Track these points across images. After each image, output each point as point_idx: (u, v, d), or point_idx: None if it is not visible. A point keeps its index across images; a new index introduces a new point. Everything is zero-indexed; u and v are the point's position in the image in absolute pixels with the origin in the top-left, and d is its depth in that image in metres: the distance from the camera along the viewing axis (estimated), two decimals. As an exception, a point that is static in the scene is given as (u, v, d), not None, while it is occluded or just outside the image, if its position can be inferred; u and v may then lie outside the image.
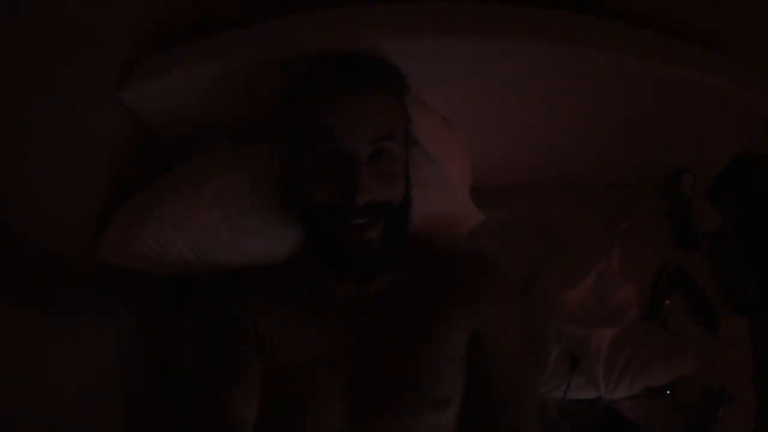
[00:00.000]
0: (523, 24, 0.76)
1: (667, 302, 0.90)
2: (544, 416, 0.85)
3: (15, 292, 0.63)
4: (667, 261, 0.95)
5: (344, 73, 0.64)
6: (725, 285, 0.92)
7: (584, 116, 0.87)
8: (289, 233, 0.73)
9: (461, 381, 0.69)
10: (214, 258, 0.75)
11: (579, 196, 1.02)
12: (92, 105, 0.73)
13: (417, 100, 0.76)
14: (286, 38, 0.75)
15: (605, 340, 0.83)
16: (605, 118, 0.88)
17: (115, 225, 0.74)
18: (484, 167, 0.94)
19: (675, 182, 0.97)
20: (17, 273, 0.63)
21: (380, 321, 0.68)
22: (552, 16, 0.78)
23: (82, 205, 0.73)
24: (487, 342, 0.69)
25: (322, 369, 0.66)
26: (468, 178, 0.88)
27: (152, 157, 0.86)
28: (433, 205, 0.77)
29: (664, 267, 0.94)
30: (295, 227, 0.72)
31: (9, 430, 0.59)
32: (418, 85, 0.74)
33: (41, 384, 0.65)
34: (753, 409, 0.85)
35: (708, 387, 0.85)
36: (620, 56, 0.76)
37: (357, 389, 0.65)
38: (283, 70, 0.73)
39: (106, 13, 0.72)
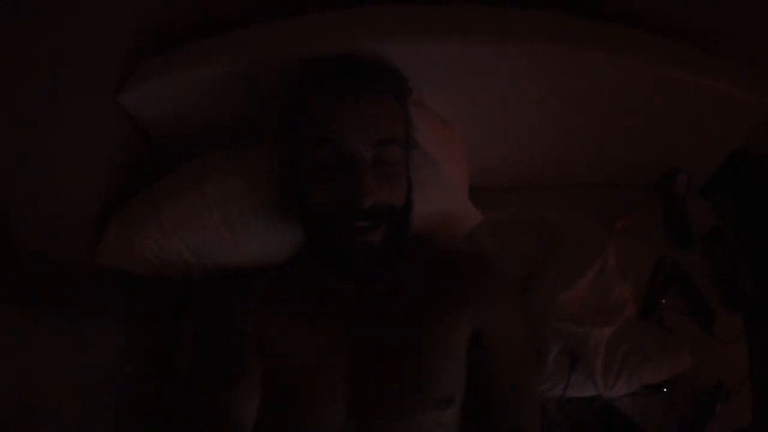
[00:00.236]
0: (522, 26, 0.77)
1: (663, 300, 0.91)
2: (543, 414, 0.85)
3: (14, 293, 0.62)
4: (663, 259, 0.95)
5: (346, 76, 0.64)
6: (720, 282, 0.93)
7: (581, 117, 0.88)
8: (289, 234, 0.73)
9: (462, 380, 0.69)
10: (214, 259, 0.75)
11: (575, 195, 1.02)
12: (91, 106, 0.73)
13: (416, 101, 0.76)
14: (285, 40, 0.76)
15: (603, 338, 0.84)
16: (602, 118, 0.88)
17: (114, 227, 0.73)
18: (483, 168, 0.94)
19: (670, 182, 0.98)
20: (16, 275, 0.62)
21: (380, 321, 0.68)
22: (550, 17, 0.79)
23: (81, 207, 0.73)
24: (487, 341, 0.69)
25: (323, 369, 0.66)
26: (466, 178, 0.89)
27: (151, 158, 0.86)
28: (432, 205, 0.77)
29: (660, 265, 0.95)
30: (295, 228, 0.72)
31: (9, 431, 0.59)
32: (418, 87, 0.75)
33: (41, 384, 0.65)
34: (749, 404, 0.86)
35: (704, 383, 0.86)
36: (617, 58, 0.77)
37: (358, 389, 0.65)
38: (283, 72, 0.73)
39: (105, 14, 0.72)
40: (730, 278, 0.92)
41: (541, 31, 0.76)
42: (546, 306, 0.87)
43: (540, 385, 0.84)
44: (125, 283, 0.78)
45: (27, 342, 0.63)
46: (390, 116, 0.64)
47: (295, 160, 0.67)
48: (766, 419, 0.87)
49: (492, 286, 0.72)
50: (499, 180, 1.02)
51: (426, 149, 0.75)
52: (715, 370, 0.86)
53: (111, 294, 0.79)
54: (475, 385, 0.69)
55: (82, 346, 0.72)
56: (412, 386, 0.65)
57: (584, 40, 0.77)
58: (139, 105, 0.79)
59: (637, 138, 0.93)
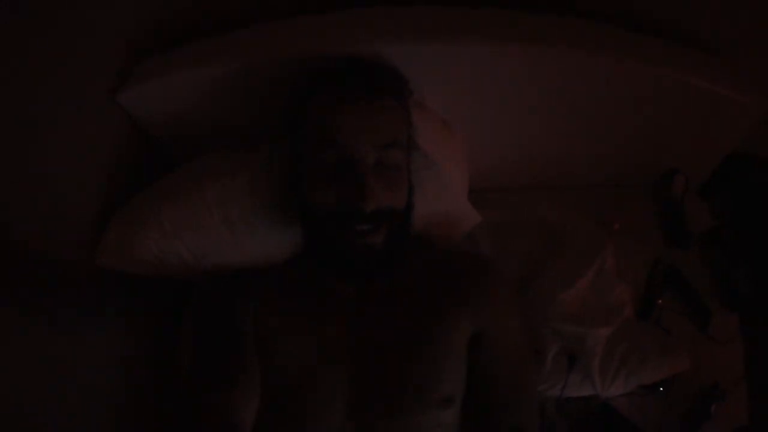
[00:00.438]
0: (522, 27, 0.77)
1: (660, 301, 0.92)
2: (542, 414, 0.86)
3: (14, 293, 0.62)
4: (660, 260, 0.96)
5: (349, 79, 0.64)
6: (717, 283, 0.94)
7: (580, 118, 0.88)
8: (289, 234, 0.73)
9: (462, 380, 0.69)
10: (214, 260, 0.75)
11: (574, 196, 1.03)
12: (90, 106, 0.73)
13: (417, 102, 0.76)
14: (286, 41, 0.75)
15: (601, 338, 0.85)
16: (601, 119, 0.88)
17: (114, 228, 0.73)
18: (482, 168, 0.95)
19: (667, 183, 0.99)
20: (16, 275, 0.62)
21: (380, 321, 0.68)
22: (550, 20, 0.79)
23: (81, 207, 0.73)
24: (487, 341, 0.69)
25: (323, 369, 0.66)
26: (466, 179, 0.89)
27: (152, 159, 0.86)
28: (432, 206, 0.77)
29: (657, 266, 0.95)
30: (295, 228, 0.72)
31: (9, 431, 0.59)
32: (419, 88, 0.75)
33: (41, 385, 0.65)
34: (745, 404, 0.87)
35: (701, 383, 0.86)
36: (616, 59, 0.77)
37: (358, 389, 0.66)
38: (283, 73, 0.73)
39: (105, 14, 0.72)
40: (727, 279, 0.93)
41: (540, 33, 0.77)
42: (545, 306, 0.88)
43: (539, 385, 0.84)
44: (125, 283, 0.78)
45: (27, 342, 0.63)
46: (393, 120, 0.64)
47: (296, 161, 0.67)
48: (761, 419, 0.87)
49: (492, 286, 0.73)
50: (498, 180, 1.02)
51: (426, 150, 0.75)
52: (712, 371, 0.87)
53: (111, 294, 0.79)
54: (475, 385, 0.69)
55: (82, 346, 0.72)
56: (412, 386, 0.65)
57: (583, 41, 0.77)
58: (139, 105, 0.79)
59: (635, 139, 0.93)
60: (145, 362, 0.86)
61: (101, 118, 0.76)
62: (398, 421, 0.65)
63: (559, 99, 0.84)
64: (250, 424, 0.63)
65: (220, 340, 0.67)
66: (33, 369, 0.64)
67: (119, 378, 0.80)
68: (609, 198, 1.02)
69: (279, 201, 0.72)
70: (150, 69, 0.78)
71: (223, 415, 0.60)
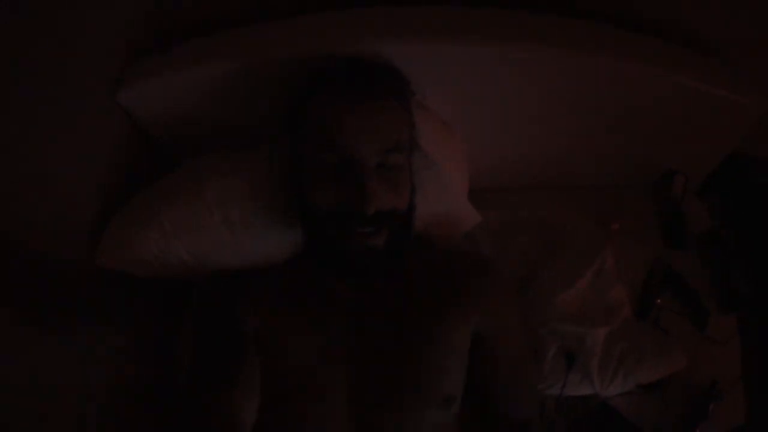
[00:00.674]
0: (523, 28, 0.77)
1: (659, 301, 0.92)
2: (541, 413, 0.86)
3: (12, 294, 0.62)
4: (659, 260, 0.96)
5: (350, 80, 0.64)
6: (715, 283, 0.94)
7: (580, 118, 0.88)
8: (289, 234, 0.73)
9: (462, 380, 0.69)
10: (214, 260, 0.75)
11: (573, 196, 1.03)
12: (90, 106, 0.73)
13: (418, 103, 0.76)
14: (286, 40, 0.75)
15: (600, 338, 0.85)
16: (600, 120, 0.89)
17: (113, 229, 0.73)
18: (482, 168, 0.95)
19: (666, 183, 0.99)
20: (16, 275, 0.62)
21: (381, 321, 0.69)
22: (550, 20, 0.79)
23: (81, 207, 0.73)
24: (487, 340, 0.70)
25: (323, 369, 0.66)
26: (466, 179, 0.89)
27: (152, 159, 0.86)
28: (432, 206, 0.78)
29: (656, 266, 0.96)
30: (295, 228, 0.72)
31: (9, 431, 0.59)
32: (421, 89, 0.75)
33: (41, 385, 0.65)
34: (742, 404, 0.87)
35: (698, 383, 0.87)
36: (616, 60, 0.77)
37: (358, 389, 0.66)
38: (283, 72, 0.73)
39: (105, 13, 0.71)
40: (725, 279, 0.93)
41: (541, 34, 0.77)
42: (544, 306, 0.88)
43: (538, 384, 0.85)
44: (125, 283, 0.78)
45: (27, 342, 0.63)
46: (396, 122, 0.63)
47: (297, 161, 0.67)
48: (759, 419, 0.88)
49: (492, 286, 0.73)
50: (498, 180, 1.02)
51: (427, 151, 0.75)
52: (709, 370, 0.88)
53: (111, 295, 0.79)
54: (476, 383, 0.69)
55: (82, 346, 0.72)
56: (412, 386, 0.66)
57: (583, 42, 0.77)
58: (139, 105, 0.79)
59: (634, 139, 0.93)
60: (145, 363, 0.86)
61: (101, 118, 0.76)
62: (399, 421, 0.65)
63: (559, 99, 0.84)
64: (250, 424, 0.63)
65: (220, 341, 0.67)
66: (33, 369, 0.64)
67: (119, 378, 0.80)
68: (609, 198, 1.03)
69: (279, 201, 0.72)
70: (150, 69, 0.77)
71: (223, 415, 0.60)
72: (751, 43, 0.84)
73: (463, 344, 0.69)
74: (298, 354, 0.67)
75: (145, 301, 0.86)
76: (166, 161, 0.86)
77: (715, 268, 0.95)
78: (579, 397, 0.87)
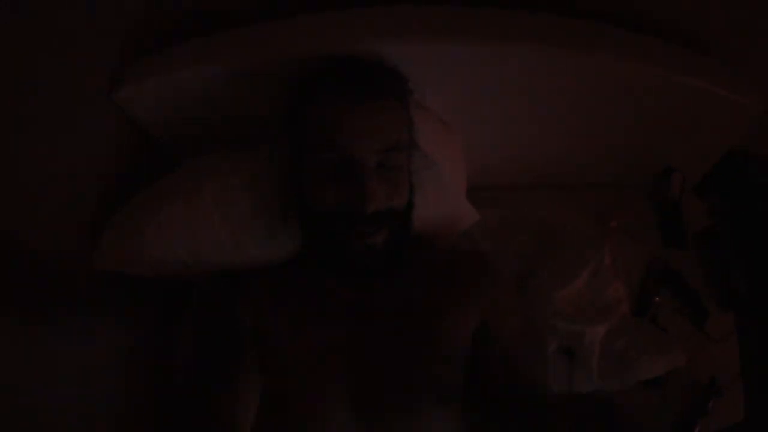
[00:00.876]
0: (522, 27, 0.77)
1: (657, 299, 0.92)
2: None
3: (12, 295, 0.62)
4: (657, 258, 0.97)
5: (349, 80, 0.64)
6: (713, 281, 0.95)
7: (578, 117, 0.89)
8: (288, 234, 0.73)
9: (462, 376, 0.69)
10: (213, 261, 0.75)
11: (570, 195, 1.03)
12: (89, 106, 0.73)
13: (416, 102, 0.76)
14: (285, 40, 0.75)
15: (598, 335, 0.85)
16: (599, 119, 0.89)
17: (113, 229, 0.73)
18: (481, 167, 0.95)
19: (664, 181, 1.00)
20: (14, 276, 0.62)
21: (381, 319, 0.69)
22: (549, 19, 0.79)
23: (80, 208, 0.73)
24: (490, 331, 0.69)
25: (323, 369, 0.66)
26: (464, 178, 0.89)
27: (151, 159, 0.85)
28: (431, 205, 0.78)
29: (654, 264, 0.96)
30: (294, 229, 0.72)
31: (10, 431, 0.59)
32: (419, 88, 0.75)
33: (41, 385, 0.65)
34: (741, 401, 0.87)
35: (698, 380, 0.87)
36: (615, 60, 0.77)
37: (359, 388, 0.66)
38: (283, 72, 0.73)
39: (104, 14, 0.71)
40: (723, 277, 0.93)
41: (540, 33, 0.77)
42: (543, 304, 0.89)
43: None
44: (124, 283, 0.78)
45: (26, 342, 0.63)
46: (395, 121, 0.64)
47: (296, 161, 0.67)
48: (757, 416, 0.88)
49: (491, 284, 0.73)
50: (497, 179, 1.02)
51: (426, 150, 0.76)
52: (708, 368, 0.88)
53: (110, 295, 0.79)
54: (484, 373, 0.68)
55: (81, 347, 0.72)
56: (412, 383, 0.66)
57: (583, 41, 0.78)
58: (138, 105, 0.78)
59: (633, 138, 0.93)
60: (145, 363, 0.86)
61: (100, 118, 0.75)
62: (400, 419, 0.65)
63: (557, 98, 0.85)
64: (249, 424, 0.63)
65: (219, 341, 0.67)
66: (32, 369, 0.64)
67: (118, 379, 0.80)
68: (607, 196, 1.03)
69: (279, 201, 0.72)
70: (149, 68, 0.77)
71: (222, 415, 0.60)
72: (749, 42, 0.84)
73: (463, 342, 0.69)
74: (297, 354, 0.67)
75: (145, 302, 0.86)
76: (165, 161, 0.85)
77: (713, 267, 0.95)
78: (578, 394, 0.87)
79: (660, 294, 0.93)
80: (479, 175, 0.95)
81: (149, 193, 0.76)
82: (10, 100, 0.59)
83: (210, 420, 0.60)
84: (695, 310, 0.92)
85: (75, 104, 0.69)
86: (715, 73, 0.82)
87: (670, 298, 0.93)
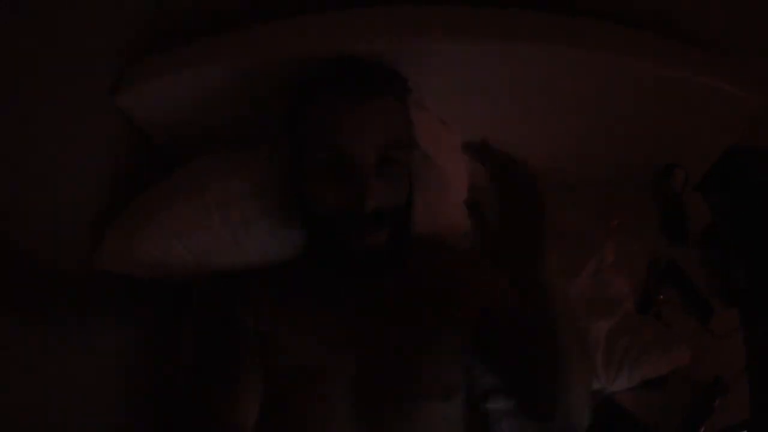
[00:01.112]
0: (522, 26, 0.77)
1: (662, 296, 0.92)
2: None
3: (13, 296, 0.62)
4: (660, 255, 0.97)
5: (348, 79, 0.64)
6: (716, 277, 0.94)
7: (579, 115, 0.89)
8: (290, 234, 0.73)
9: (463, 373, 0.69)
10: (215, 262, 0.75)
11: (571, 193, 1.03)
12: (90, 108, 0.73)
13: (416, 102, 0.76)
14: (285, 40, 0.75)
15: (602, 331, 0.85)
16: (599, 116, 0.89)
17: (114, 230, 0.73)
18: (481, 167, 0.95)
19: (666, 178, 1.00)
20: (15, 278, 0.62)
21: (382, 319, 0.69)
22: (549, 18, 0.79)
23: (82, 210, 0.73)
24: (497, 315, 0.67)
25: (324, 369, 0.66)
26: (465, 178, 0.89)
27: (152, 160, 0.86)
28: (432, 205, 0.78)
29: (657, 261, 0.96)
30: (295, 229, 0.72)
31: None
32: (418, 88, 0.75)
33: (43, 386, 0.64)
34: (747, 399, 0.87)
35: (702, 378, 0.87)
36: (615, 56, 0.77)
37: (360, 388, 0.66)
38: (283, 72, 0.73)
39: (104, 14, 0.71)
40: (726, 273, 0.93)
41: (540, 31, 0.77)
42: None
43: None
44: (126, 285, 0.78)
45: (29, 344, 0.63)
46: (394, 120, 0.64)
47: (296, 161, 0.67)
48: (763, 414, 0.88)
49: (492, 280, 0.73)
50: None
51: (426, 150, 0.76)
52: (713, 365, 0.88)
53: (112, 296, 0.79)
54: (501, 351, 0.65)
55: (83, 348, 0.72)
56: (413, 383, 0.66)
57: (583, 39, 0.78)
58: (138, 106, 0.78)
59: (635, 134, 0.93)
60: (146, 364, 0.85)
61: (100, 120, 0.75)
62: (404, 416, 0.65)
63: (559, 96, 0.85)
64: (252, 424, 0.63)
65: (220, 342, 0.67)
66: (35, 371, 0.63)
67: (120, 380, 0.79)
68: (608, 194, 1.03)
69: (279, 201, 0.72)
70: (150, 70, 0.77)
71: (224, 415, 0.60)
72: (750, 38, 0.85)
73: (464, 338, 0.69)
74: (299, 354, 0.67)
75: (146, 303, 0.86)
76: (166, 162, 0.86)
77: (716, 263, 0.95)
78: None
79: (664, 291, 0.93)
80: (481, 175, 0.95)
81: (150, 194, 0.76)
82: (11, 101, 0.59)
83: (211, 421, 0.59)
84: (699, 307, 0.92)
85: (75, 106, 0.69)
86: (716, 68, 0.82)
87: (674, 296, 0.93)
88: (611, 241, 0.93)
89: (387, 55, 0.72)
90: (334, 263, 0.66)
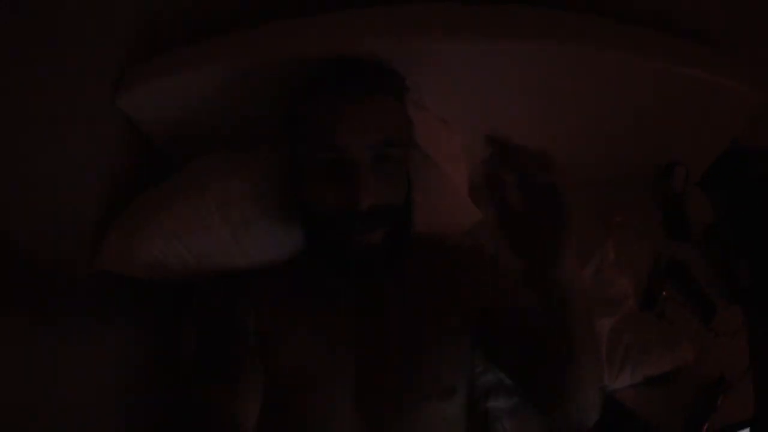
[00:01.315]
0: (520, 24, 0.77)
1: (664, 293, 0.92)
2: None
3: (17, 297, 0.62)
4: (662, 253, 0.96)
5: (345, 78, 0.64)
6: (719, 275, 0.94)
7: (580, 113, 0.89)
8: (289, 234, 0.73)
9: (463, 372, 0.69)
10: (216, 262, 0.75)
11: (573, 191, 1.02)
12: (90, 110, 0.73)
13: (415, 101, 0.76)
14: (284, 41, 0.75)
15: (604, 329, 0.85)
16: (600, 114, 0.89)
17: (115, 231, 0.73)
18: (481, 165, 0.94)
19: (667, 175, 0.99)
20: (19, 278, 0.62)
21: (382, 318, 0.69)
22: (548, 15, 0.79)
23: (83, 211, 0.73)
24: (496, 314, 0.67)
25: (324, 369, 0.66)
26: (465, 177, 0.89)
27: (152, 161, 0.86)
28: (432, 204, 0.78)
29: (660, 259, 0.96)
30: (295, 228, 0.72)
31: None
32: (417, 87, 0.75)
33: (44, 387, 0.64)
34: (750, 397, 0.87)
35: (706, 376, 0.86)
36: (615, 53, 0.77)
37: (361, 387, 0.66)
38: (282, 73, 0.73)
39: (104, 15, 0.71)
40: (728, 271, 0.93)
41: (539, 29, 0.77)
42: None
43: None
44: (127, 285, 0.77)
45: (30, 345, 0.63)
46: (390, 117, 0.64)
47: (296, 161, 0.67)
48: (766, 412, 0.87)
49: (493, 279, 0.73)
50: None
51: (425, 148, 0.76)
52: (716, 363, 0.87)
53: (112, 297, 0.79)
54: (505, 347, 0.66)
55: (84, 348, 0.72)
56: (412, 380, 0.66)
57: (583, 36, 0.78)
58: (138, 107, 0.79)
59: (635, 132, 0.93)
60: (147, 364, 0.85)
61: (101, 122, 0.75)
62: (404, 416, 0.65)
63: (558, 94, 0.85)
64: (252, 423, 0.62)
65: (221, 342, 0.67)
66: (36, 372, 0.63)
67: (120, 380, 0.79)
68: (610, 191, 1.02)
69: (279, 201, 0.72)
70: (149, 70, 0.77)
71: (226, 416, 0.60)
72: (751, 34, 0.84)
73: (464, 337, 0.69)
74: (299, 354, 0.67)
75: (148, 303, 0.86)
76: (167, 163, 0.86)
77: (719, 261, 0.95)
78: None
79: (667, 289, 0.92)
80: (481, 174, 0.94)
81: (151, 194, 0.77)
82: (12, 102, 0.59)
83: (212, 421, 0.59)
84: (702, 305, 0.91)
85: (75, 106, 0.69)
86: (717, 64, 0.82)
87: (676, 294, 0.93)
88: (612, 239, 0.93)
89: (387, 55, 0.72)
90: (333, 262, 0.66)
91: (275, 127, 0.74)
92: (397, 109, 0.66)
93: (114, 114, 0.77)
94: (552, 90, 0.84)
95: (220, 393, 0.61)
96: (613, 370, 0.83)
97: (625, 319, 0.87)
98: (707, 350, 0.87)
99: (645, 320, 0.89)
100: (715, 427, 0.83)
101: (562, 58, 0.78)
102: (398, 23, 0.76)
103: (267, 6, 0.81)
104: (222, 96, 0.78)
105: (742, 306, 0.91)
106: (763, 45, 0.85)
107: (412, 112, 0.70)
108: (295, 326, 0.68)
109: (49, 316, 0.67)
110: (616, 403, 0.85)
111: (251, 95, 0.78)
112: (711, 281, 0.94)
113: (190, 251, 0.73)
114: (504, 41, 0.76)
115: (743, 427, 0.84)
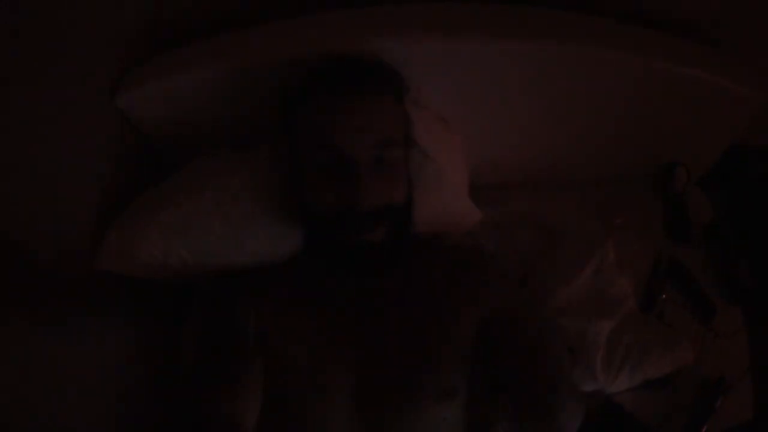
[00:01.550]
0: (520, 23, 0.77)
1: (664, 295, 0.92)
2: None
3: (16, 297, 0.62)
4: (662, 254, 0.96)
5: (344, 78, 0.64)
6: (719, 276, 0.94)
7: (580, 113, 0.88)
8: (289, 234, 0.74)
9: (464, 374, 0.69)
10: (215, 261, 0.75)
11: (574, 192, 1.03)
12: (89, 110, 0.73)
13: (415, 100, 0.76)
14: (283, 41, 0.75)
15: (602, 332, 0.85)
16: (600, 114, 0.89)
17: (115, 231, 0.73)
18: (482, 165, 0.95)
19: (668, 176, 0.99)
20: (18, 279, 0.62)
21: (382, 318, 0.68)
22: (549, 15, 0.79)
23: (82, 211, 0.73)
24: (498, 328, 0.68)
25: (324, 369, 0.66)
26: (466, 176, 0.89)
27: (152, 161, 0.86)
28: (432, 204, 0.78)
29: (660, 259, 0.96)
30: (295, 228, 0.72)
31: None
32: (416, 85, 0.75)
33: (43, 387, 0.64)
34: (750, 398, 0.86)
35: (706, 377, 0.86)
36: (614, 53, 0.77)
37: (361, 387, 0.65)
38: (281, 73, 0.73)
39: (104, 15, 0.72)
40: (729, 272, 0.93)
41: (539, 29, 0.77)
42: (544, 301, 0.88)
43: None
44: (127, 285, 0.78)
45: (29, 345, 0.63)
46: (389, 117, 0.64)
47: (295, 161, 0.67)
48: (766, 414, 0.87)
49: (492, 279, 0.73)
50: (498, 177, 1.02)
51: (425, 148, 0.76)
52: (716, 364, 0.87)
53: (112, 297, 0.79)
54: (498, 366, 0.67)
55: (83, 348, 0.72)
56: (413, 380, 0.65)
57: (583, 36, 0.78)
58: (138, 107, 0.79)
59: (635, 132, 0.93)
60: (147, 364, 0.85)
61: (100, 121, 0.76)
62: (405, 416, 0.65)
63: (558, 94, 0.84)
64: (252, 423, 0.62)
65: (221, 342, 0.67)
66: (35, 372, 0.63)
67: (120, 380, 0.79)
68: (610, 192, 1.02)
69: (279, 201, 0.72)
70: (148, 71, 0.77)
71: (226, 416, 0.59)
72: (752, 34, 0.84)
73: (467, 339, 0.69)
74: (299, 354, 0.66)
75: (148, 303, 0.86)
76: (166, 163, 0.86)
77: (719, 262, 0.95)
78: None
79: (666, 290, 0.92)
80: (481, 174, 0.95)
81: (151, 194, 0.77)
82: (11, 101, 0.60)
83: (212, 421, 0.59)
84: (702, 306, 0.91)
85: (75, 106, 0.70)
86: (718, 64, 0.82)
87: (676, 295, 0.93)
88: (612, 239, 0.93)
89: (387, 54, 0.72)
90: (334, 262, 0.66)
91: (275, 127, 0.74)
92: (395, 108, 0.66)
93: (114, 114, 0.77)
94: (552, 90, 0.83)
95: (220, 393, 0.61)
96: (612, 371, 0.83)
97: (624, 321, 0.87)
98: (707, 351, 0.87)
99: (645, 322, 0.88)
100: (714, 429, 0.83)
101: (562, 58, 0.78)
102: (398, 23, 0.76)
103: (267, 6, 0.81)
104: (222, 96, 0.78)
105: (742, 306, 0.91)
106: (763, 45, 0.85)
107: (412, 111, 0.70)
108: (296, 326, 0.68)
109: (49, 316, 0.67)
110: (615, 405, 0.85)
111: (251, 95, 0.78)
112: (711, 281, 0.93)
113: (189, 251, 0.73)
114: (504, 41, 0.76)
115: (743, 429, 0.84)
